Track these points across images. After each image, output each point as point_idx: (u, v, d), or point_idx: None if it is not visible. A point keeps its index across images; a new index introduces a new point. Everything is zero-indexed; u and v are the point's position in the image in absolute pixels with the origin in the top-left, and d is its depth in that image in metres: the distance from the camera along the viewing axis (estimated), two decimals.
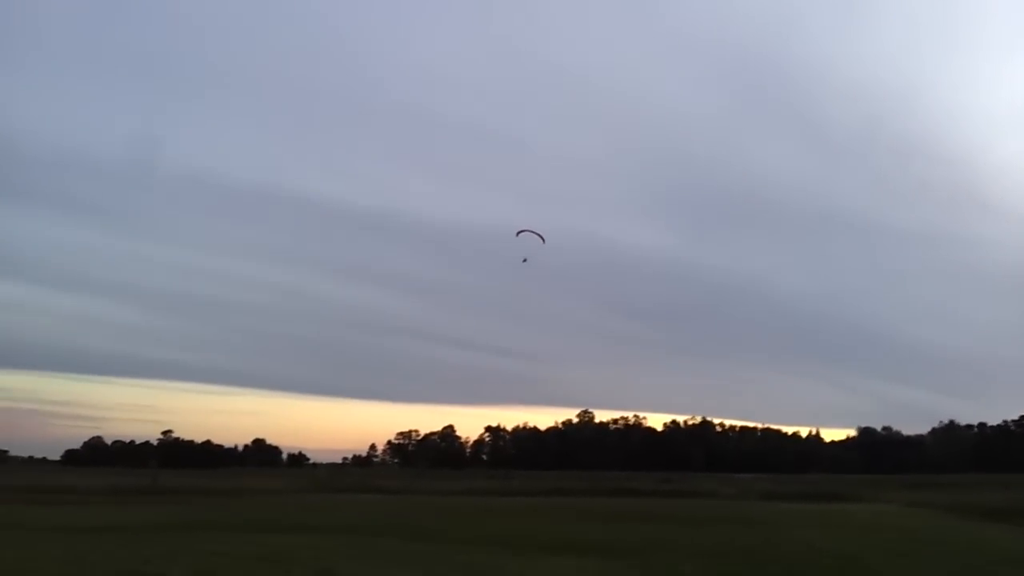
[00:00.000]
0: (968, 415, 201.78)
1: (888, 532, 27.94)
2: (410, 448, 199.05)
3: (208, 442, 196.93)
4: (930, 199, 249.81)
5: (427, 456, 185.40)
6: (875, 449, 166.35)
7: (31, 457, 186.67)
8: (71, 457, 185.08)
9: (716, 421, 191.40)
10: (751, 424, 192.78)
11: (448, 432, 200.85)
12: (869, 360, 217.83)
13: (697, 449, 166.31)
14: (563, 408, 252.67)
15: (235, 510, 35.16)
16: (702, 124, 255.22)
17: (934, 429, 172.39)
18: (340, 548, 19.59)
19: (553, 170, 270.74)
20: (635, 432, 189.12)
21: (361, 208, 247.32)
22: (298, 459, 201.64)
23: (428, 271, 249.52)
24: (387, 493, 54.88)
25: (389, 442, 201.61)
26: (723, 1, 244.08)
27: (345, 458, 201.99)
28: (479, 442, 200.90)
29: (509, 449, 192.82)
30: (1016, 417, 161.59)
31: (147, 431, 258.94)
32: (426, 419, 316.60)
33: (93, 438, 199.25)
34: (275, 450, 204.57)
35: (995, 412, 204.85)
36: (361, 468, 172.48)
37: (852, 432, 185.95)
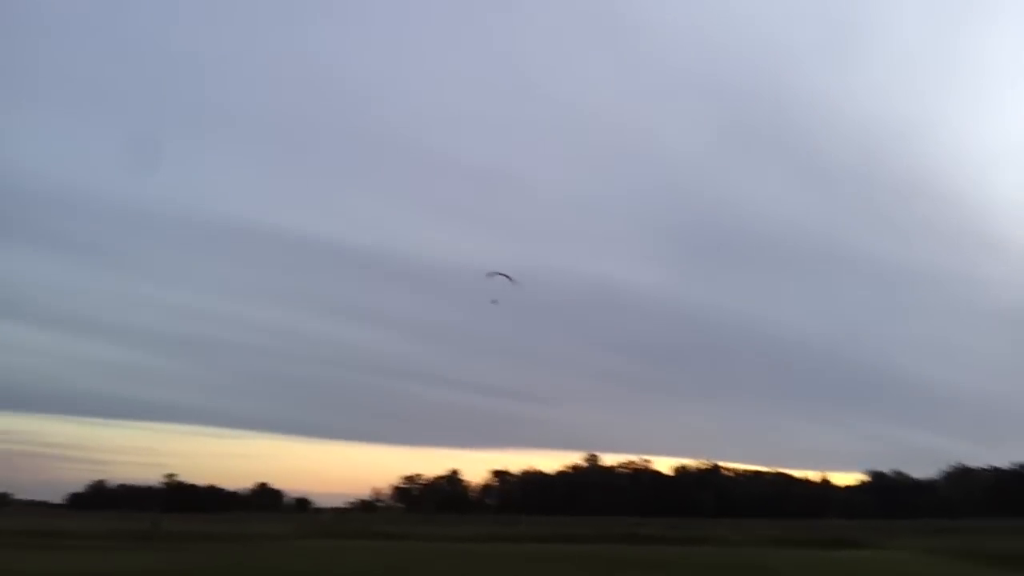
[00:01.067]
0: (978, 457, 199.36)
1: None
2: (415, 492, 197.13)
3: (212, 486, 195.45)
4: (933, 236, 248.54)
5: (432, 500, 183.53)
6: (887, 493, 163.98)
7: (33, 500, 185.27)
8: (75, 501, 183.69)
9: (726, 465, 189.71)
10: (761, 468, 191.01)
11: (453, 476, 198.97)
12: (876, 401, 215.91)
13: (707, 494, 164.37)
14: (569, 451, 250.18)
15: (238, 557, 34.61)
16: (700, 161, 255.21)
17: (948, 472, 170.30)
18: None
19: (553, 208, 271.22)
20: (643, 476, 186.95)
21: (361, 248, 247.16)
22: (302, 503, 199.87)
23: (431, 312, 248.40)
24: (392, 539, 54.13)
25: (393, 486, 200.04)
26: (719, 39, 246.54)
27: (349, 502, 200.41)
28: (485, 486, 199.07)
29: (516, 493, 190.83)
30: None
31: (151, 474, 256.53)
32: (431, 463, 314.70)
33: (96, 481, 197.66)
34: (279, 494, 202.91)
35: (1006, 453, 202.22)
36: (365, 513, 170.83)
37: (863, 476, 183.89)
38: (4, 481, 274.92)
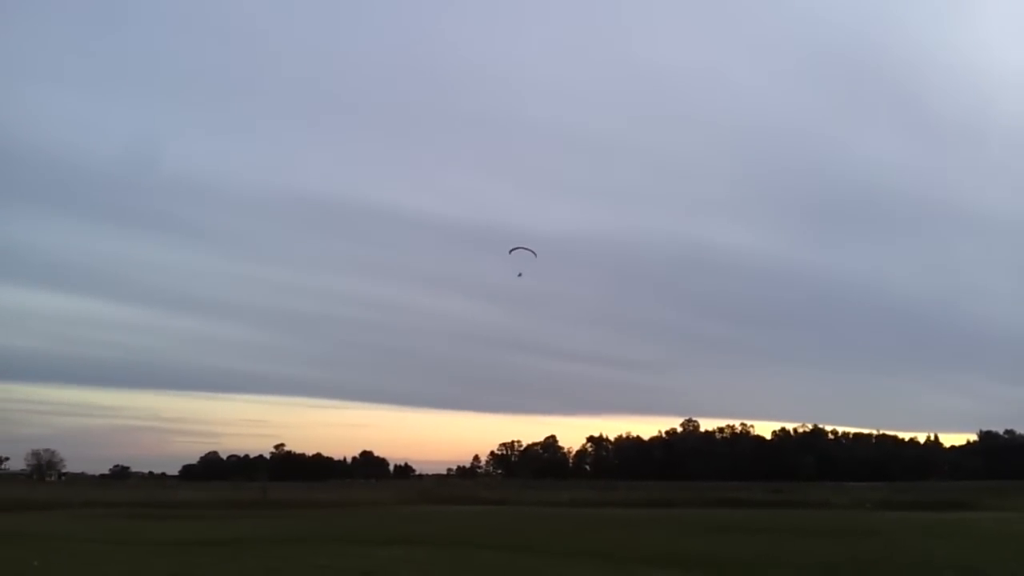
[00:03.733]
0: None
1: (1014, 542, 26.35)
2: (513, 459, 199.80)
3: (318, 455, 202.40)
4: None
5: (530, 466, 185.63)
6: (998, 454, 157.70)
7: (151, 473, 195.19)
8: (188, 472, 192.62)
9: (828, 428, 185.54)
10: (865, 431, 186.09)
11: (550, 442, 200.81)
12: (990, 361, 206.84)
13: (808, 457, 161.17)
14: (667, 417, 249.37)
15: (341, 522, 35.83)
16: (800, 121, 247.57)
17: None
18: (442, 560, 19.67)
19: (647, 172, 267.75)
20: (742, 441, 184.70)
21: (452, 219, 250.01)
22: (404, 470, 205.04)
23: (525, 281, 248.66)
24: (490, 504, 55.10)
25: (492, 453, 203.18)
26: None
27: (449, 469, 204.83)
28: (581, 452, 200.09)
29: (612, 459, 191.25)
30: None
31: (260, 445, 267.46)
32: (528, 430, 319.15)
33: (209, 453, 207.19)
34: (382, 462, 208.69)
35: None
36: (465, 479, 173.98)
37: (973, 437, 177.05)
38: (123, 455, 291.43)
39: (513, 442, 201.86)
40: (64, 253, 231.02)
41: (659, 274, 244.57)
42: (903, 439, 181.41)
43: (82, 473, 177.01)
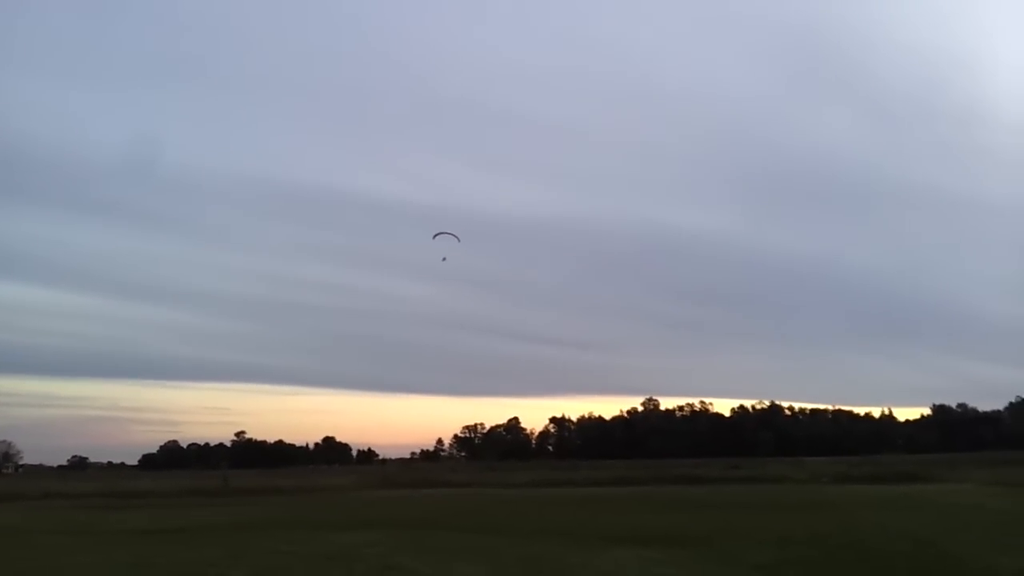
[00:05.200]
0: None
1: (967, 513, 27.02)
2: (476, 441, 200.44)
3: (280, 442, 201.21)
4: (996, 166, 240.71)
5: (493, 449, 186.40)
6: (951, 427, 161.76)
7: (110, 463, 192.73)
8: (148, 461, 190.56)
9: (785, 405, 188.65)
10: (821, 406, 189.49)
11: (513, 424, 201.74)
12: (941, 335, 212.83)
13: (766, 433, 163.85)
14: (628, 396, 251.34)
15: (303, 509, 35.67)
16: (757, 102, 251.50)
17: (1011, 404, 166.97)
18: (406, 544, 19.66)
19: (609, 156, 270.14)
20: (702, 418, 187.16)
21: (416, 205, 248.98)
22: (367, 455, 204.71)
23: (488, 265, 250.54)
24: (454, 487, 55.16)
25: (455, 436, 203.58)
26: None
27: (413, 453, 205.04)
28: (544, 433, 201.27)
29: (575, 440, 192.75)
30: None
31: (221, 433, 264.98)
32: (491, 412, 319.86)
33: (169, 442, 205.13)
34: (344, 447, 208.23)
35: None
36: (429, 462, 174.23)
37: (927, 411, 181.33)
38: (81, 445, 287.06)
39: (476, 424, 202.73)
40: (17, 243, 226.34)
41: (618, 255, 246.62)
42: (859, 414, 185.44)
43: (40, 464, 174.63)
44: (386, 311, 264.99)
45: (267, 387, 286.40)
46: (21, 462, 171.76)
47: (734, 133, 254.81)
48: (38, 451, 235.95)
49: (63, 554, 18.96)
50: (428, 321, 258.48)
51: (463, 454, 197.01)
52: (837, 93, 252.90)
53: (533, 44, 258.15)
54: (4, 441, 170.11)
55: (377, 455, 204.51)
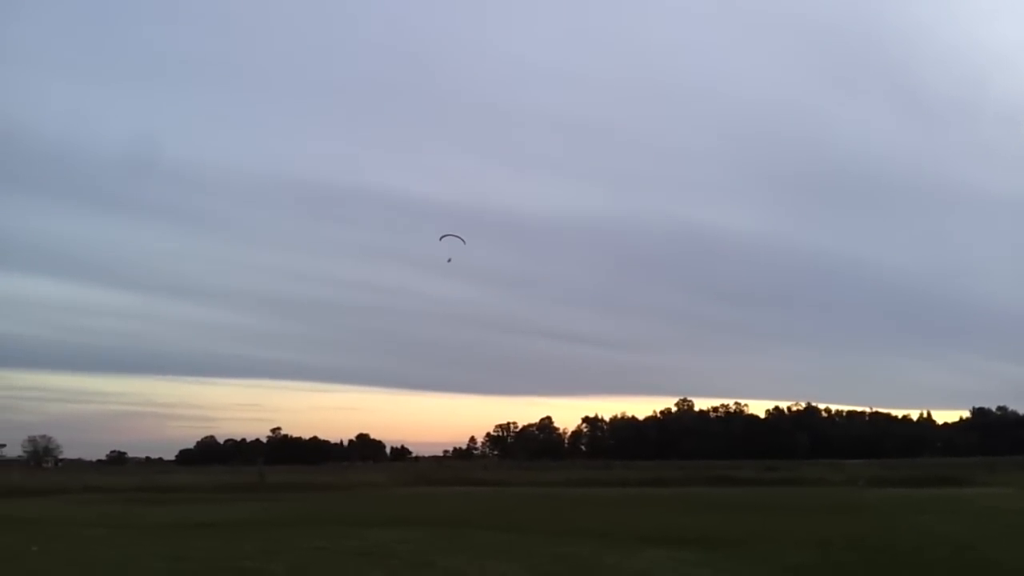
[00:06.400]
0: None
1: (1006, 517, 26.60)
2: (509, 440, 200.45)
3: (314, 438, 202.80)
4: None
5: (526, 448, 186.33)
6: (990, 430, 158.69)
7: (148, 458, 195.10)
8: (185, 457, 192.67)
9: (821, 406, 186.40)
10: (858, 408, 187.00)
11: (546, 424, 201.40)
12: (982, 338, 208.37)
13: (801, 435, 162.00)
14: (661, 397, 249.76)
15: (337, 505, 36.01)
16: (795, 102, 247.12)
17: None
18: (439, 541, 19.81)
19: (642, 157, 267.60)
20: (736, 420, 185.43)
21: (449, 205, 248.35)
22: (401, 453, 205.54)
23: (521, 264, 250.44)
24: (486, 485, 55.35)
25: (488, 434, 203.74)
26: None
27: (446, 451, 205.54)
28: (577, 433, 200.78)
29: (607, 439, 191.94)
30: None
31: (257, 429, 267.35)
32: (524, 411, 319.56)
33: (206, 437, 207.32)
34: (378, 444, 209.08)
35: None
36: (461, 460, 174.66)
37: (966, 413, 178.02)
38: (119, 440, 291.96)
39: (509, 423, 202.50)
40: (58, 240, 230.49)
41: (654, 255, 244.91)
42: (896, 416, 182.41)
43: (79, 459, 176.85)
44: (420, 310, 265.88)
45: (302, 384, 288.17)
46: (61, 457, 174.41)
47: (772, 133, 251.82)
48: (77, 446, 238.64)
49: (104, 547, 19.32)
50: (461, 320, 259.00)
51: (495, 453, 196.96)
52: (877, 92, 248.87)
53: (565, 44, 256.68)
54: (44, 436, 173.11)
55: (410, 452, 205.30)
